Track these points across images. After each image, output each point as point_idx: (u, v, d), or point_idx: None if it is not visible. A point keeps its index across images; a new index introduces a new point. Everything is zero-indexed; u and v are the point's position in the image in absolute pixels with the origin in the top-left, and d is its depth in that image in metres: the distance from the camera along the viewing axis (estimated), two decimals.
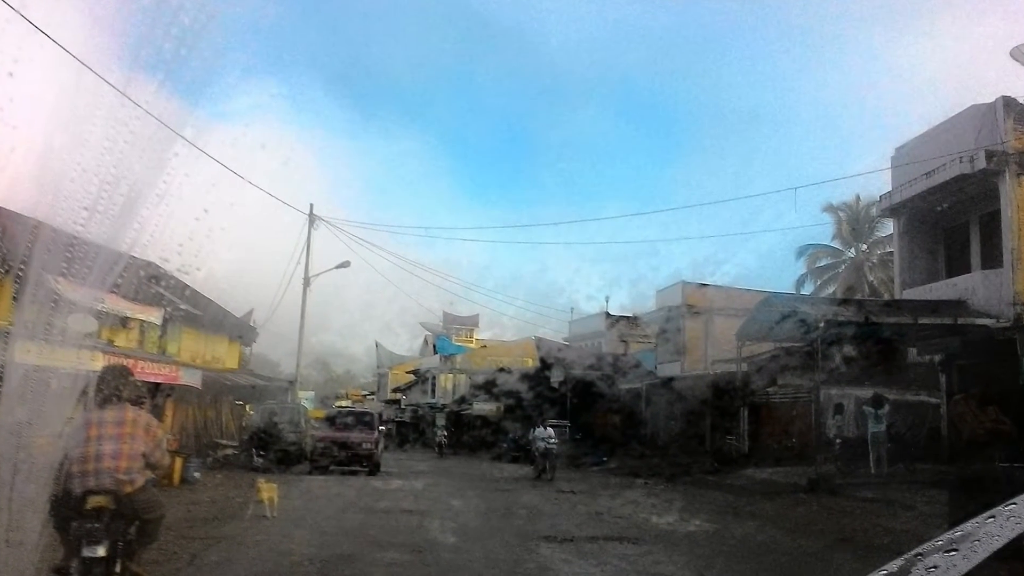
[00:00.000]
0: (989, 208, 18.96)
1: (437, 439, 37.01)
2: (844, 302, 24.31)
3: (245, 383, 25.40)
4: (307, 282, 25.72)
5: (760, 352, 23.97)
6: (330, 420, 27.07)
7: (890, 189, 22.10)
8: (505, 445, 31.38)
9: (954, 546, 1.77)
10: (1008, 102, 18.13)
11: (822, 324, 18.15)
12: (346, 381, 79.43)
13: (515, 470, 24.78)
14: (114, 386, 5.36)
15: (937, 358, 19.82)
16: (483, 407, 37.31)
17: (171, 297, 16.02)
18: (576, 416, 29.73)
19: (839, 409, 20.14)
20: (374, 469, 22.83)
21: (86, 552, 4.92)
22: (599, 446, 27.26)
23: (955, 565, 1.71)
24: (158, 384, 16.97)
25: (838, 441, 18.93)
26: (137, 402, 5.74)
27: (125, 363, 7.62)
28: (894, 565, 1.74)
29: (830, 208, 35.57)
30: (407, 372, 52.83)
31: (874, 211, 29.53)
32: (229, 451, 22.30)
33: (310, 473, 21.93)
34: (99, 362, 7.73)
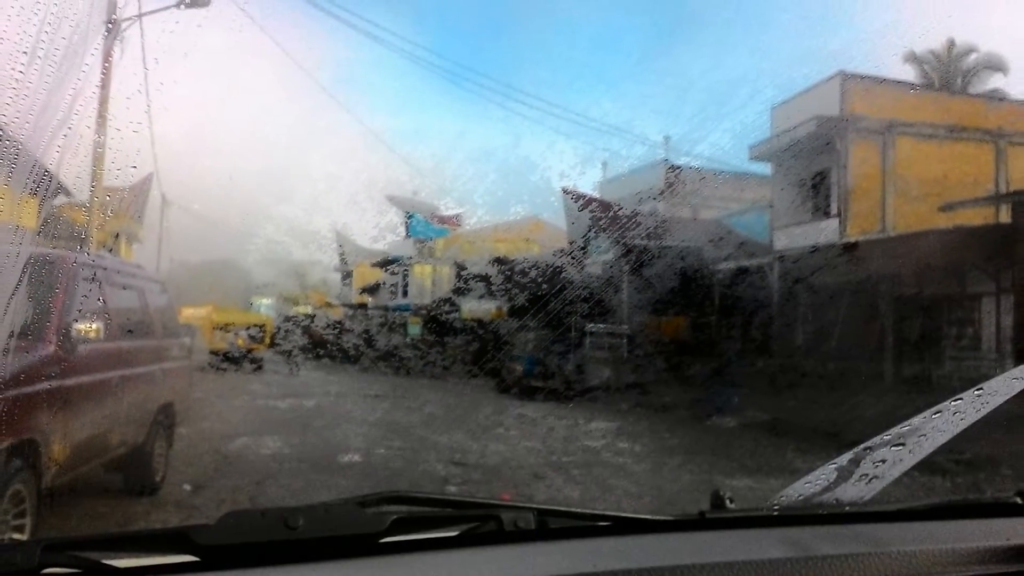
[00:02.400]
0: None
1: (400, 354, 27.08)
2: None
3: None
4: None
5: None
6: None
7: None
8: (520, 368, 20.89)
9: (901, 440, 2.03)
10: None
11: None
12: (304, 283, 69.78)
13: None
14: None
15: None
16: (476, 307, 27.31)
17: None
18: (637, 317, 19.51)
19: None
20: None
21: None
22: (689, 369, 17.06)
23: (902, 459, 1.99)
24: None
25: None
26: None
27: None
28: (844, 459, 2.07)
29: None
30: (372, 266, 42.95)
31: None
32: None
33: None
34: None
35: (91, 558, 1.55)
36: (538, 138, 69.18)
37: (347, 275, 53.71)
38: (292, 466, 10.00)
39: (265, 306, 41.85)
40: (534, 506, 1.82)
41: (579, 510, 2.00)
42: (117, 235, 23.81)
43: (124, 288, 7.73)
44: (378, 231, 49.95)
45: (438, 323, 30.62)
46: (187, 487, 8.34)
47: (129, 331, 7.52)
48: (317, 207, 78.93)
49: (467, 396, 20.53)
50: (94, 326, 6.33)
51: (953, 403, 2.13)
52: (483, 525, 1.76)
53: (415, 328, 32.14)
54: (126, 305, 7.64)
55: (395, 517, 1.69)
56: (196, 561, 1.56)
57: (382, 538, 1.65)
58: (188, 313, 22.87)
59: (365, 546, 1.65)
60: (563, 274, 21.53)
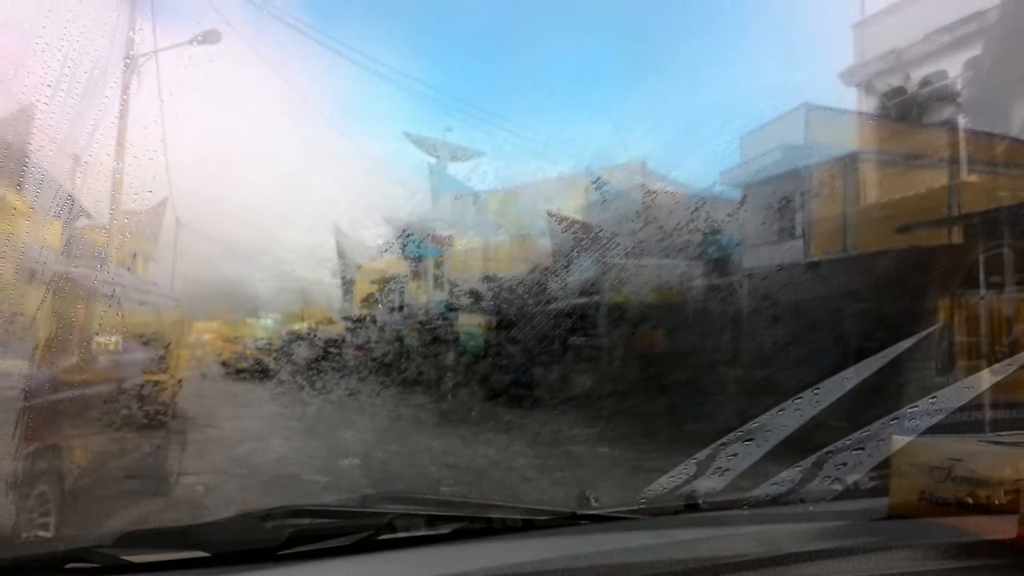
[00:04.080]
0: None
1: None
2: None
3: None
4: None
5: None
6: None
7: None
8: (508, 377, 20.77)
9: (751, 436, 2.20)
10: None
11: None
12: (307, 299, 69.13)
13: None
14: None
15: None
16: (467, 321, 27.22)
17: None
18: (616, 330, 19.53)
19: None
20: None
21: None
22: (666, 379, 17.04)
23: (750, 453, 2.16)
24: None
25: None
26: None
27: None
28: (703, 454, 2.20)
29: None
30: (370, 283, 42.71)
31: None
32: None
33: None
34: None
35: (110, 554, 1.55)
36: (524, 163, 69.13)
37: (347, 292, 53.23)
38: (296, 468, 9.97)
39: (271, 320, 41.52)
40: (521, 505, 1.84)
41: (561, 509, 2.02)
42: (134, 255, 23.72)
43: (141, 304, 7.72)
44: (376, 251, 49.69)
45: (432, 336, 30.56)
46: (199, 488, 8.30)
47: (145, 343, 7.51)
48: (319, 229, 78.21)
49: (459, 403, 20.45)
50: (113, 339, 6.33)
51: (794, 401, 2.23)
52: (473, 523, 1.78)
53: (410, 340, 31.99)
54: (142, 319, 7.63)
55: (392, 516, 1.70)
56: (207, 557, 1.57)
57: (381, 535, 1.67)
58: (199, 327, 22.79)
59: (365, 543, 1.66)
60: (548, 290, 21.52)
